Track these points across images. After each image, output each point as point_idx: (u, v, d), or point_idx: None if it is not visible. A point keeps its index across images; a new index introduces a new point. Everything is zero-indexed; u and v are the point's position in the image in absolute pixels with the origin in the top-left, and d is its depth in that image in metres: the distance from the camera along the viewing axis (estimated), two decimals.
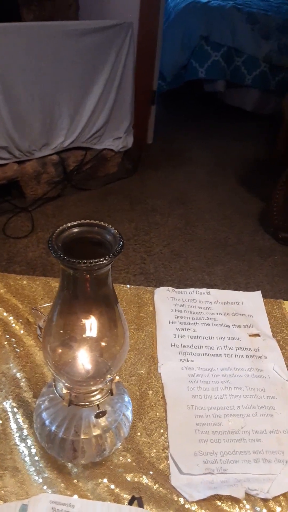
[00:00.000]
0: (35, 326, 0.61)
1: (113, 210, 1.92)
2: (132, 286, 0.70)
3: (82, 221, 0.34)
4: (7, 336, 0.59)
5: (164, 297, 0.68)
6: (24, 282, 0.68)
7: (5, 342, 0.58)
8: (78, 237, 0.34)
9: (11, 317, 0.61)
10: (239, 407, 0.54)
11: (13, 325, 0.60)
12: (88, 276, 0.33)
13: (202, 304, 0.69)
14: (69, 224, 0.34)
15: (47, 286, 0.68)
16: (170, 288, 0.70)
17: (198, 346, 0.62)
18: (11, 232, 1.72)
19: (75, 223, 0.34)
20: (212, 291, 0.71)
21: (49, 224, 1.77)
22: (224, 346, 0.62)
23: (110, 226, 0.34)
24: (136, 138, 2.18)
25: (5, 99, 1.63)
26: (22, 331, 0.60)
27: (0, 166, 1.74)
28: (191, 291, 0.70)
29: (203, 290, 0.71)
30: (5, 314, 0.62)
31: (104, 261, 0.32)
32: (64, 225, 0.34)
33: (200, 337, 0.63)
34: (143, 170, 2.24)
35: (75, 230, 0.34)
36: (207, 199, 2.09)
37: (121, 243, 0.33)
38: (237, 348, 0.62)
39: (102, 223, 0.34)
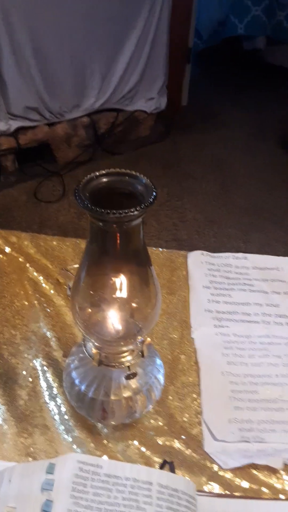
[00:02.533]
0: (65, 286, 0.59)
1: (145, 175, 1.86)
2: (165, 250, 0.67)
3: (111, 169, 0.31)
4: (37, 295, 0.58)
5: (198, 261, 0.65)
6: (54, 243, 0.66)
7: (35, 301, 0.57)
8: (107, 187, 0.31)
9: (41, 277, 0.60)
10: (277, 375, 0.51)
11: (43, 285, 0.59)
12: (118, 229, 0.31)
13: (239, 269, 0.65)
14: (97, 173, 0.31)
15: (77, 247, 0.66)
16: (205, 252, 0.67)
17: (233, 312, 0.59)
18: (43, 196, 1.71)
19: (104, 172, 0.31)
20: (250, 256, 0.67)
21: None
22: (262, 313, 0.59)
23: (141, 175, 0.31)
24: (170, 99, 2.09)
25: (35, 58, 1.58)
26: (52, 291, 0.58)
27: (30, 128, 1.72)
28: (226, 255, 0.67)
29: (240, 254, 0.67)
30: (35, 274, 0.60)
31: (136, 212, 0.29)
32: (92, 174, 0.31)
33: (236, 303, 0.60)
34: (177, 133, 2.15)
35: (104, 179, 0.31)
36: (243, 163, 1.99)
37: (154, 193, 0.30)
38: (276, 315, 0.59)
39: (133, 172, 0.31)
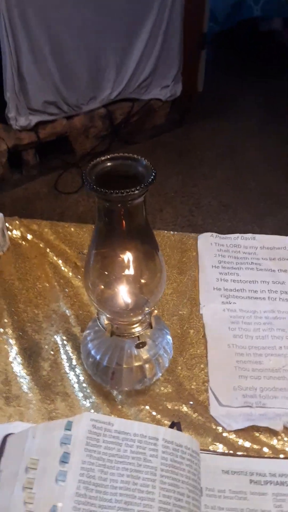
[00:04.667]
0: (82, 269, 0.64)
1: (161, 163, 1.89)
2: (176, 233, 0.71)
3: (115, 154, 0.34)
4: (57, 278, 0.62)
5: (208, 243, 0.68)
6: (72, 229, 0.71)
7: (55, 283, 0.61)
8: (112, 170, 0.35)
9: (60, 261, 0.64)
10: (281, 347, 0.54)
11: (62, 268, 0.64)
12: (122, 208, 0.34)
13: (247, 250, 0.68)
14: (102, 158, 0.34)
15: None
16: (214, 234, 0.69)
17: (241, 289, 0.62)
18: (63, 187, 1.76)
19: (108, 156, 0.34)
20: (258, 236, 0.70)
21: None
22: (268, 290, 0.62)
23: (142, 158, 0.34)
24: (185, 86, 2.09)
25: (52, 52, 1.62)
26: (70, 274, 0.63)
27: (49, 122, 1.77)
28: (235, 236, 0.69)
29: (248, 235, 0.70)
30: (55, 258, 0.65)
31: (136, 192, 0.32)
32: (98, 159, 0.34)
33: (243, 281, 0.63)
34: (192, 120, 2.16)
35: (109, 164, 0.35)
36: (258, 148, 1.98)
37: (153, 174, 0.33)
38: (281, 292, 0.61)
39: (134, 155, 0.34)
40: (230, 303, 0.60)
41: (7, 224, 0.69)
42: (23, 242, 0.68)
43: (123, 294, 0.43)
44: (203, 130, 2.11)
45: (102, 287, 0.43)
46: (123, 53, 1.81)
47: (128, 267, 0.40)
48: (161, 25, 1.84)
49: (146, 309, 0.43)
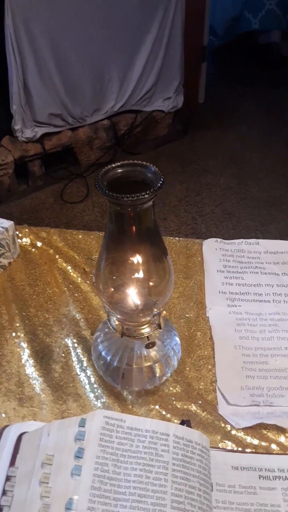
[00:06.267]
0: (91, 275, 0.65)
1: (164, 172, 1.89)
2: (181, 239, 0.72)
3: (125, 161, 0.36)
4: (66, 283, 0.64)
5: (213, 248, 0.70)
6: (80, 236, 0.73)
7: (65, 288, 0.63)
8: (122, 176, 0.37)
9: (69, 267, 0.66)
10: (286, 347, 0.55)
11: (71, 273, 0.65)
12: (132, 211, 0.36)
13: (251, 254, 0.69)
14: (113, 165, 0.36)
15: (100, 240, 0.72)
16: (219, 239, 0.71)
17: (246, 293, 0.63)
18: (68, 197, 1.79)
19: (119, 163, 0.36)
20: (262, 241, 0.71)
21: None
22: (273, 293, 0.63)
23: (151, 164, 0.36)
24: (187, 98, 2.14)
25: (57, 66, 1.66)
26: (79, 279, 0.64)
27: (55, 133, 1.80)
28: (239, 241, 0.71)
29: (252, 240, 0.72)
30: (64, 264, 0.67)
31: (146, 196, 0.34)
32: (109, 166, 0.36)
33: (248, 285, 0.64)
34: (194, 130, 2.20)
35: (119, 170, 0.37)
36: (260, 157, 2.01)
37: (161, 179, 0.35)
38: (286, 295, 0.63)
39: (143, 162, 0.36)
40: (235, 306, 0.61)
41: (17, 232, 0.71)
42: (33, 249, 0.70)
43: (133, 295, 0.44)
44: (205, 140, 2.15)
45: (113, 289, 0.45)
46: (126, 67, 1.86)
47: (138, 270, 0.42)
48: (163, 39, 1.89)
49: (155, 310, 0.44)
